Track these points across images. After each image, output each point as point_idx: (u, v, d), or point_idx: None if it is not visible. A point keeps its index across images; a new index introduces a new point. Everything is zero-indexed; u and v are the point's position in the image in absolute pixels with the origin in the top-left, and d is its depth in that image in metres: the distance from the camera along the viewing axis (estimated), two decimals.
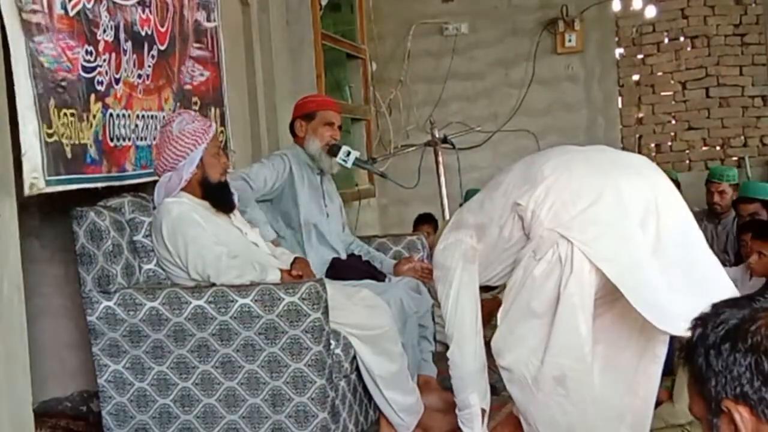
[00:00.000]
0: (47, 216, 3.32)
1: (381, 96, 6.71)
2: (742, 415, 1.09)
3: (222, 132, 3.84)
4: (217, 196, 2.92)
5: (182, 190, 2.86)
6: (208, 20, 3.72)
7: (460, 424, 2.80)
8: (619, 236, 2.41)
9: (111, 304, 2.73)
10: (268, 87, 4.63)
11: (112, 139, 2.81)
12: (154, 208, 2.90)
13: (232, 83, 3.94)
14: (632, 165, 2.64)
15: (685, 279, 2.39)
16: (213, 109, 3.77)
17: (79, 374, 3.38)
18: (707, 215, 5.24)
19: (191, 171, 2.84)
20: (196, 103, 3.59)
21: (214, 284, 2.74)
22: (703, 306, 2.35)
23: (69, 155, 2.54)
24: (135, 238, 2.87)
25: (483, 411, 2.77)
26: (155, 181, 2.98)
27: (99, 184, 2.74)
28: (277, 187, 3.40)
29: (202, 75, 3.66)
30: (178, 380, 2.74)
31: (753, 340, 1.10)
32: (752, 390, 1.09)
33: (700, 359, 1.14)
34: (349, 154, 3.52)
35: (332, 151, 3.51)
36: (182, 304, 2.69)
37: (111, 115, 2.81)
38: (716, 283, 2.41)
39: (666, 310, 2.33)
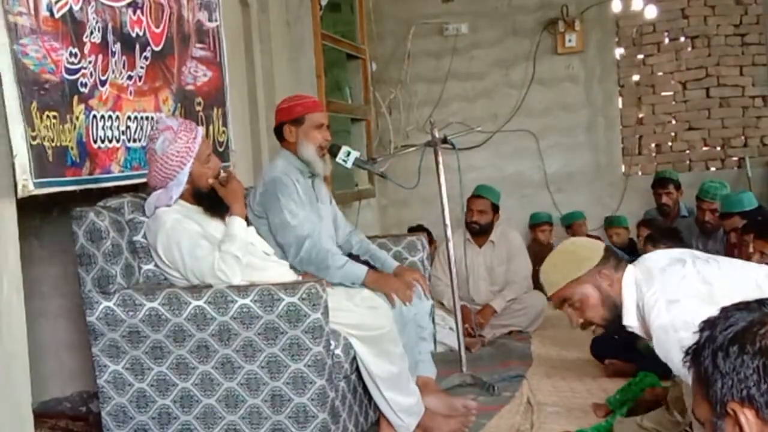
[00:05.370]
0: (47, 216, 3.32)
1: (381, 96, 6.71)
2: (748, 417, 1.09)
3: (224, 132, 3.84)
4: (209, 204, 2.91)
5: None
6: (210, 20, 3.71)
7: None
8: None
9: (110, 304, 2.73)
10: (268, 87, 4.63)
11: (95, 141, 2.80)
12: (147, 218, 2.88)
13: (232, 83, 3.94)
14: None
15: None
16: (216, 110, 3.76)
17: (78, 375, 3.37)
18: (699, 232, 5.25)
19: (180, 191, 2.84)
20: (199, 104, 3.58)
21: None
22: None
23: (51, 158, 2.53)
24: (134, 239, 2.86)
25: None
26: (146, 183, 2.98)
27: (79, 187, 2.71)
28: None
29: (205, 75, 3.65)
30: (178, 381, 2.74)
31: (762, 343, 1.09)
32: (759, 393, 1.08)
33: (706, 361, 1.14)
34: (349, 154, 3.51)
35: (332, 151, 3.49)
36: (182, 305, 2.69)
37: (95, 116, 2.79)
38: None
39: None
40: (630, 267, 2.55)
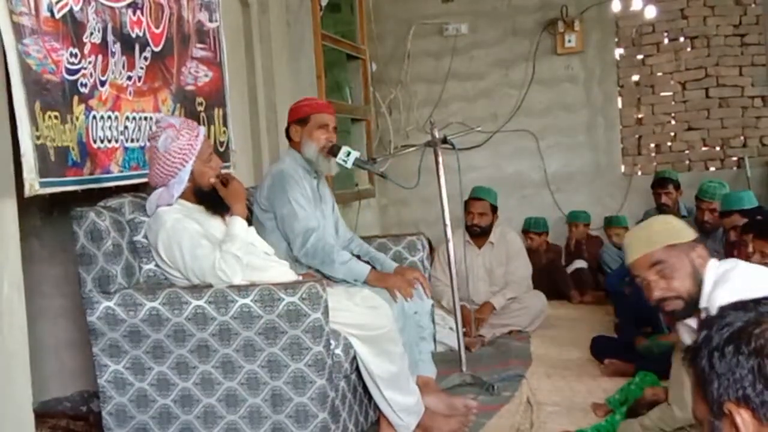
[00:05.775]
0: (47, 216, 3.32)
1: (381, 96, 6.72)
2: (743, 417, 1.09)
3: (224, 132, 3.84)
4: (210, 203, 2.92)
5: None
6: (210, 21, 3.72)
7: None
8: None
9: (111, 304, 2.73)
10: (268, 87, 4.64)
11: (95, 141, 2.80)
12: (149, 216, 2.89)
13: (233, 83, 3.94)
14: None
15: None
16: (217, 110, 3.76)
17: (79, 374, 3.38)
18: (698, 232, 5.24)
19: (181, 188, 2.84)
20: (201, 104, 3.59)
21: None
22: None
23: (53, 158, 2.53)
24: (135, 239, 2.87)
25: None
26: (146, 183, 2.98)
27: (80, 187, 2.71)
28: None
29: (206, 76, 3.66)
30: (178, 380, 2.74)
31: (757, 343, 1.10)
32: (754, 393, 1.08)
33: (703, 361, 1.14)
34: (349, 154, 3.51)
35: (332, 151, 3.51)
36: (182, 305, 2.69)
37: (95, 117, 2.79)
38: None
39: None
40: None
